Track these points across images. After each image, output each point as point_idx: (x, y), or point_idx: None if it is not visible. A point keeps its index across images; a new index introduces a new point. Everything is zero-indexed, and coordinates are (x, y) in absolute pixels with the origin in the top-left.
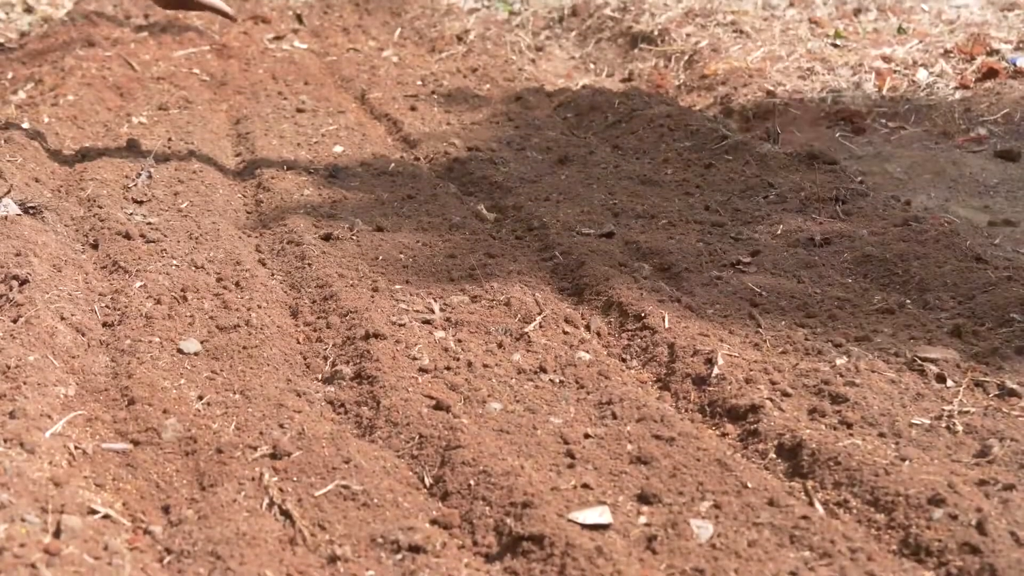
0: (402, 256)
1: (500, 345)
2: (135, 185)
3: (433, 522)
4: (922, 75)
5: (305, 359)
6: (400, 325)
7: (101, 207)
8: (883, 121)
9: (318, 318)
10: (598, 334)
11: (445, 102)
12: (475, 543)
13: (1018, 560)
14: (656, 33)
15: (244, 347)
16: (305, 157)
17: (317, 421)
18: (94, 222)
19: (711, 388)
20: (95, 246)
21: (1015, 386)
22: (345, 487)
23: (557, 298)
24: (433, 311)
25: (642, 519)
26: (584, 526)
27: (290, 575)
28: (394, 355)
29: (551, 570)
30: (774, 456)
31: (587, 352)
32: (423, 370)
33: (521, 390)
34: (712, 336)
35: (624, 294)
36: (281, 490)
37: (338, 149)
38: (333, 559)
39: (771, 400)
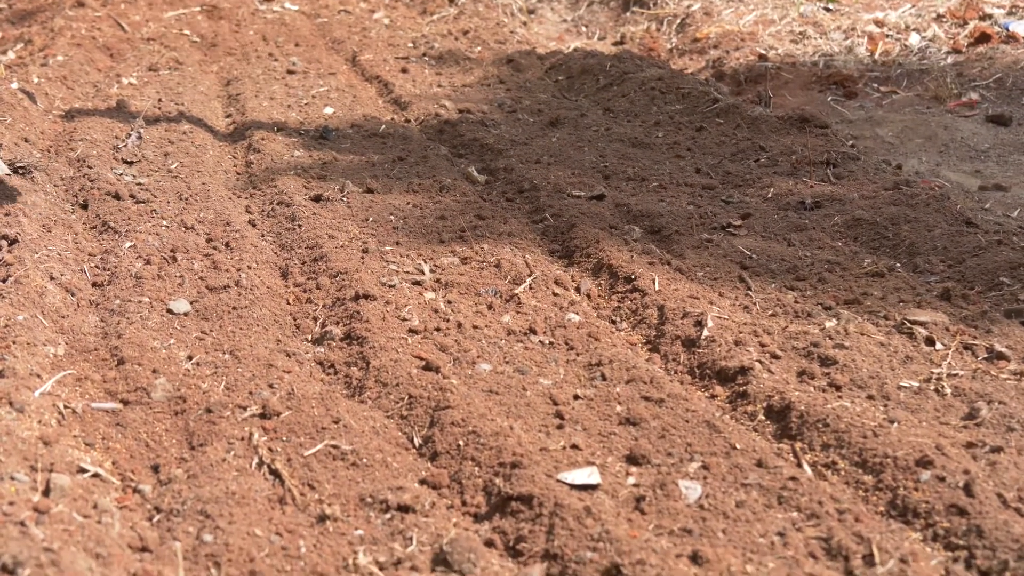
0: (392, 217)
1: (490, 306)
2: (125, 146)
3: (422, 482)
4: (914, 39)
5: (295, 320)
6: (390, 286)
7: (91, 167)
8: (875, 85)
9: (308, 279)
10: (588, 296)
11: (436, 64)
12: (464, 503)
13: (1004, 522)
14: None
15: (234, 307)
16: (295, 118)
17: (307, 381)
18: (84, 182)
19: (700, 350)
20: (85, 206)
21: (1003, 349)
22: (334, 447)
23: (547, 260)
24: (423, 272)
25: (631, 480)
26: (573, 486)
27: (279, 534)
28: (384, 316)
29: (539, 530)
30: (763, 418)
31: (577, 314)
32: (413, 331)
33: (511, 351)
34: (702, 298)
35: (614, 256)
36: (270, 450)
37: (329, 111)
38: (322, 518)
39: (760, 362)
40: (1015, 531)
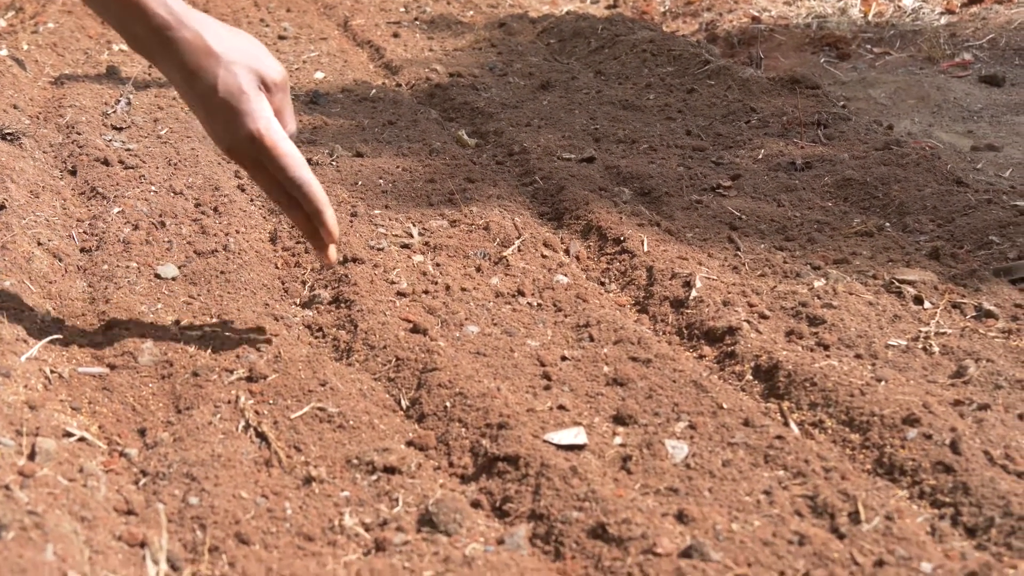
0: (382, 181)
1: (478, 269)
2: (114, 112)
3: (409, 444)
4: (908, 0)
5: (283, 284)
6: (379, 249)
7: (80, 133)
8: (868, 47)
9: (297, 243)
10: (577, 258)
11: (428, 29)
12: (451, 464)
13: (991, 479)
14: None
15: (222, 272)
16: None
17: (294, 345)
18: (72, 148)
19: (689, 311)
20: (73, 172)
21: (992, 308)
22: (321, 409)
23: (536, 222)
24: (412, 235)
25: (617, 440)
26: (559, 447)
27: (265, 496)
28: (372, 279)
29: (526, 490)
30: (750, 377)
31: (565, 276)
32: (401, 294)
33: (499, 313)
34: (691, 259)
35: (604, 218)
36: (257, 412)
37: (319, 75)
38: (308, 480)
39: (748, 322)
40: (1001, 488)
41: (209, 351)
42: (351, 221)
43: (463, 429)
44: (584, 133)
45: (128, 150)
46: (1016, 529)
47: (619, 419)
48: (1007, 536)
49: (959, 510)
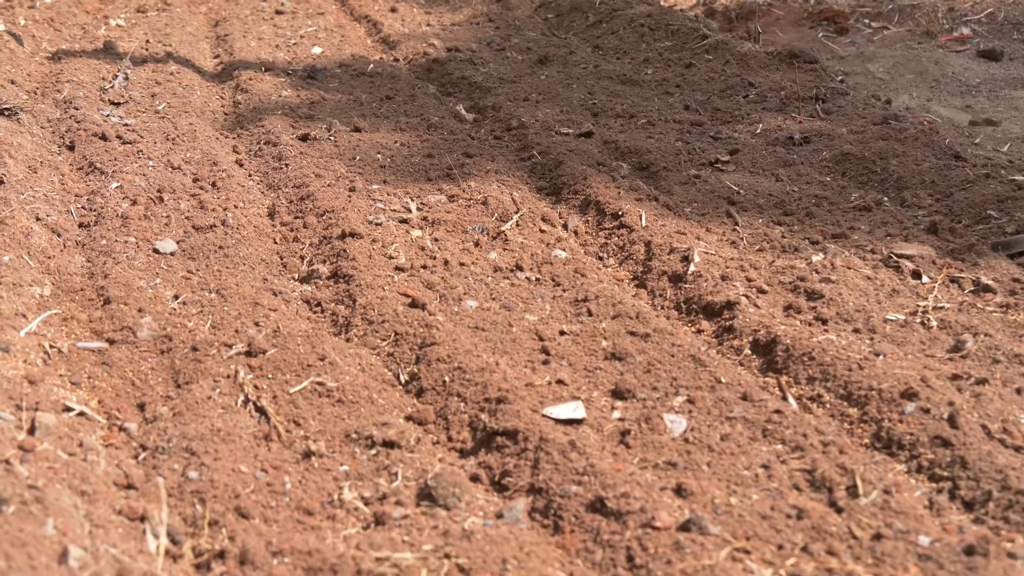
0: (380, 156)
1: (477, 244)
2: (112, 87)
3: (408, 418)
4: None
5: (282, 258)
6: (377, 224)
7: (77, 109)
8: (866, 21)
9: (295, 218)
10: (575, 232)
11: (425, 3)
12: (450, 438)
13: (988, 453)
14: None
15: (220, 247)
16: (283, 59)
17: (293, 319)
18: (70, 123)
19: (687, 285)
20: (71, 147)
21: (990, 282)
22: (320, 384)
23: (535, 197)
24: (410, 210)
25: (616, 414)
26: (558, 421)
27: (264, 470)
28: (370, 254)
29: (525, 465)
30: (749, 352)
31: (564, 250)
32: (399, 269)
33: (497, 288)
34: (689, 234)
35: (602, 193)
36: (256, 387)
37: (317, 50)
38: (307, 455)
39: (747, 297)
40: (999, 462)
41: (208, 326)
42: (349, 196)
43: (462, 403)
44: (582, 108)
45: (126, 125)
46: (1013, 503)
47: (618, 393)
48: (1005, 510)
49: (957, 484)
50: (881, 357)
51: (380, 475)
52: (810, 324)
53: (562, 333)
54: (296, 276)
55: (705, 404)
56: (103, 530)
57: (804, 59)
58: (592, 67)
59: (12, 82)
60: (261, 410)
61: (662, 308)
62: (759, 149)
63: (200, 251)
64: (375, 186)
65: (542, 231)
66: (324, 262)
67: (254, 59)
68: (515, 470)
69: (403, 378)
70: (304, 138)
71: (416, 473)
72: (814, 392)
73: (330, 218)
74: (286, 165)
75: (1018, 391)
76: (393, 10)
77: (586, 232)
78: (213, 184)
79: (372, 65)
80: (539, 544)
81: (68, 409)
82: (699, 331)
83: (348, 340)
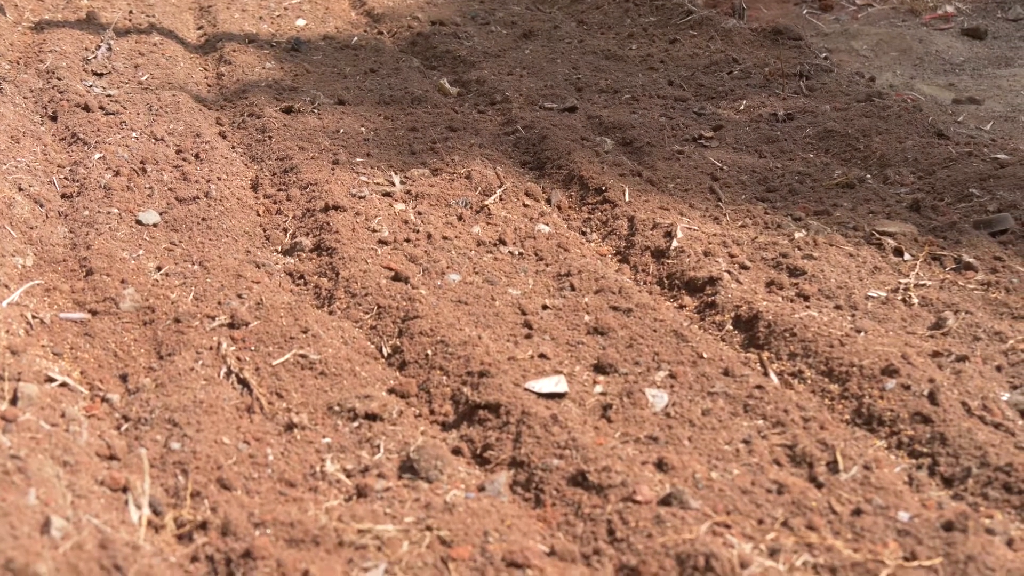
0: (363, 129)
1: (460, 217)
2: (95, 58)
3: (390, 391)
4: None
5: (265, 231)
6: (360, 197)
7: (60, 79)
8: None
9: (278, 190)
10: (558, 207)
11: None
12: (432, 411)
13: (968, 429)
14: None
15: (203, 219)
16: (267, 31)
17: (276, 292)
18: (53, 94)
19: (670, 261)
20: (54, 118)
21: (971, 260)
22: (303, 356)
23: (518, 172)
24: (393, 184)
25: (598, 388)
26: (540, 395)
27: (246, 442)
28: (354, 227)
29: (506, 438)
30: (731, 327)
31: (547, 225)
32: (382, 242)
33: (480, 262)
34: (672, 210)
35: (585, 168)
36: (239, 359)
37: (301, 23)
38: (290, 426)
39: (729, 273)
40: (978, 439)
41: (191, 298)
42: (333, 169)
43: (444, 377)
44: (566, 83)
45: (109, 96)
46: (992, 479)
47: (600, 368)
48: (984, 486)
49: (936, 460)
50: (862, 334)
51: (362, 448)
52: (792, 300)
53: (545, 307)
54: (279, 248)
55: (687, 379)
56: (85, 500)
57: (788, 36)
58: (576, 42)
59: None
60: (244, 382)
61: (645, 283)
62: (743, 125)
63: (183, 223)
64: (359, 159)
65: (525, 205)
66: (307, 235)
67: (238, 31)
68: (497, 443)
69: (386, 351)
70: (288, 111)
71: (398, 446)
72: (795, 368)
73: (313, 191)
74: (269, 137)
75: (998, 368)
76: None
77: (569, 207)
78: (196, 156)
79: (356, 38)
80: (520, 517)
81: (50, 380)
82: (681, 306)
83: (331, 313)
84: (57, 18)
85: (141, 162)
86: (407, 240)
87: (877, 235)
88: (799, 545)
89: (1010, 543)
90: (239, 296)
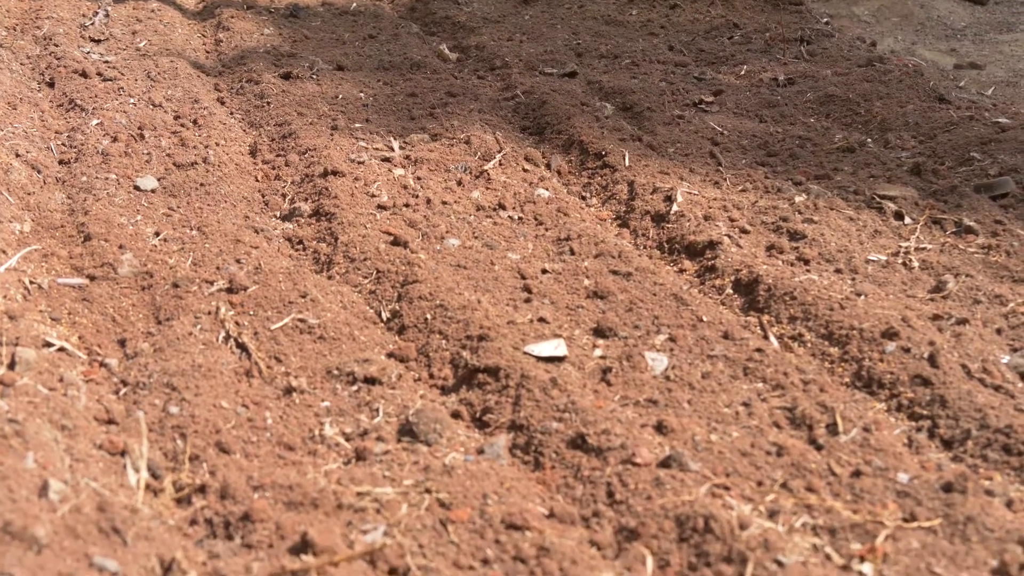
0: (362, 95)
1: (459, 182)
2: (92, 24)
3: (389, 355)
4: None
5: (263, 196)
6: (359, 163)
7: (57, 45)
8: None
9: (277, 156)
10: (558, 172)
11: None
12: (431, 375)
13: (968, 392)
14: None
15: (202, 184)
16: None
17: (274, 257)
18: (50, 60)
19: (670, 225)
20: (51, 84)
21: (972, 223)
22: (302, 321)
23: (518, 137)
24: (393, 149)
25: (597, 352)
26: (539, 359)
27: (245, 406)
28: (353, 192)
29: (506, 401)
30: (731, 291)
31: (547, 190)
32: (382, 207)
33: (480, 226)
34: (672, 174)
35: (585, 132)
36: (237, 324)
37: None
38: (289, 391)
39: (729, 236)
40: (978, 401)
41: (189, 263)
42: (332, 135)
43: (443, 341)
44: (566, 48)
45: (106, 62)
46: (992, 441)
47: (599, 331)
48: (983, 448)
49: (936, 422)
50: (862, 297)
51: (361, 411)
52: (792, 264)
53: (544, 271)
54: (278, 214)
55: (687, 342)
56: (83, 464)
57: (789, 1)
58: (577, 7)
59: None
60: (242, 346)
61: (644, 247)
62: (743, 90)
63: (181, 188)
64: (357, 125)
65: (525, 170)
66: (306, 200)
67: None
68: (496, 407)
69: (385, 315)
70: (286, 76)
71: (397, 409)
72: (795, 331)
73: (312, 156)
74: (268, 103)
75: (998, 331)
76: None
77: (569, 172)
78: (194, 122)
79: (355, 4)
80: (520, 480)
81: (48, 344)
82: (681, 270)
83: (330, 277)
84: None
85: (139, 128)
86: (406, 205)
87: (878, 199)
88: (798, 507)
89: (1009, 504)
90: (238, 261)
